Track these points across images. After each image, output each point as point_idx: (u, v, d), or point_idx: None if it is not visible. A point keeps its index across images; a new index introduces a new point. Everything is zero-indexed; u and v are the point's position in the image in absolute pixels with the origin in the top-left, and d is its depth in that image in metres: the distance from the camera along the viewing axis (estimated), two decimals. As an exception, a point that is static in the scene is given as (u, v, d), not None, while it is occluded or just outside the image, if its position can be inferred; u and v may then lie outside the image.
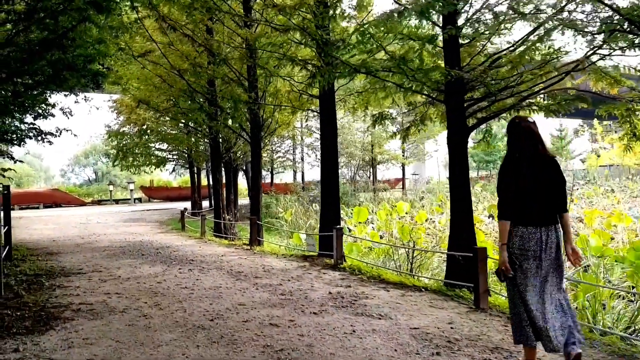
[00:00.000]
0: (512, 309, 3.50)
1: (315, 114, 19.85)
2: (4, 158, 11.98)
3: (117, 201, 38.07)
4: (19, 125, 12.91)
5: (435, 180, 46.62)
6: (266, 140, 13.12)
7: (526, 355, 3.47)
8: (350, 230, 16.35)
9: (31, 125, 11.14)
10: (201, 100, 12.21)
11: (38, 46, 8.47)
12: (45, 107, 12.14)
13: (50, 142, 11.31)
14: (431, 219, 19.31)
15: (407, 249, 8.86)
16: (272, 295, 5.88)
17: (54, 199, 34.39)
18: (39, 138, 11.40)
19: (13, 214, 25.85)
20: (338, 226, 8.53)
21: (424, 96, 8.39)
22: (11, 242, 8.07)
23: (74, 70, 9.48)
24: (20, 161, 11.79)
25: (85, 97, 13.22)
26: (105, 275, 7.10)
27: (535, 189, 3.37)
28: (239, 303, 5.44)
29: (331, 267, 8.06)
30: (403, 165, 38.55)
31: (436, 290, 6.43)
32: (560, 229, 3.42)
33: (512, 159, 3.48)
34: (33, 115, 10.83)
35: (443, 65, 7.29)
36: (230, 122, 13.22)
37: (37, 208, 32.08)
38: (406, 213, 19.85)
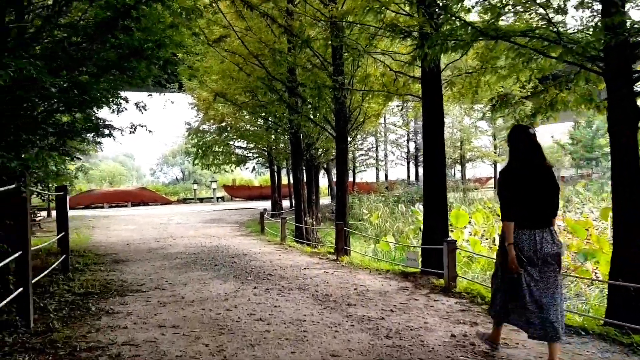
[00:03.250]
0: (496, 297, 3.89)
1: (410, 103, 18.08)
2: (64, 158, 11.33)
3: (201, 200, 38.45)
4: (93, 119, 12.31)
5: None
6: (353, 134, 11.58)
7: (493, 332, 4.04)
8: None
9: (88, 118, 10.23)
10: (281, 90, 10.89)
11: (99, 27, 7.49)
12: (117, 100, 11.41)
13: (109, 135, 10.42)
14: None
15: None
16: (375, 338, 4.30)
17: (141, 198, 35.21)
18: (99, 133, 10.60)
19: (101, 212, 26.42)
20: (449, 238, 6.81)
21: (566, 68, 6.46)
22: (68, 250, 7.14)
23: (141, 56, 8.48)
24: (78, 158, 11.09)
25: (161, 90, 12.40)
26: (167, 295, 5.88)
27: (531, 195, 3.61)
28: (332, 352, 3.91)
29: (442, 290, 6.35)
30: (495, 163, 35.63)
31: (603, 335, 4.55)
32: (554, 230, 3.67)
33: (513, 166, 3.72)
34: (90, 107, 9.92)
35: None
36: (312, 115, 11.83)
37: (125, 206, 32.87)
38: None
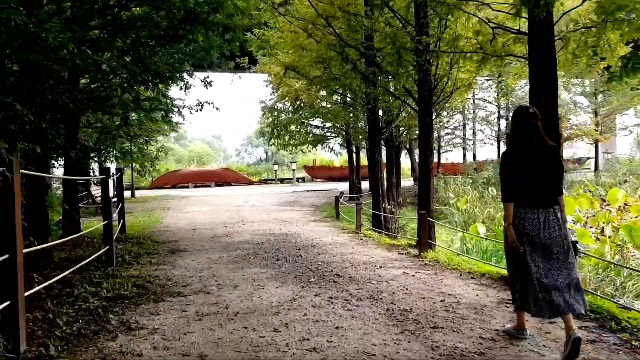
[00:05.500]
0: (514, 282, 3.94)
1: (500, 76, 16.03)
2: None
3: (282, 180, 38.30)
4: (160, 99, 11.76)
5: (623, 159, 38.37)
6: (438, 109, 10.02)
7: (518, 320, 3.99)
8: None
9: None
10: (355, 59, 9.55)
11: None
12: (182, 76, 10.68)
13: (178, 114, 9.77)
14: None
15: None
16: (473, 392, 2.98)
17: (224, 178, 35.54)
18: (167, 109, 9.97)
19: (183, 192, 26.64)
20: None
21: None
22: (112, 240, 6.35)
23: (196, 21, 7.52)
24: (145, 138, 10.49)
25: (225, 66, 11.52)
26: (210, 302, 4.88)
27: (533, 174, 3.71)
28: (408, 420, 2.66)
29: (557, 306, 4.83)
30: (596, 142, 31.94)
31: None
32: (559, 209, 3.76)
33: (515, 146, 3.82)
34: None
35: None
36: (392, 86, 10.40)
37: (209, 186, 33.24)
38: (625, 204, 14.98)
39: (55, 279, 4.65)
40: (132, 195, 23.94)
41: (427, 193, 8.95)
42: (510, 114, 33.37)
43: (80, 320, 4.05)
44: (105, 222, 6.26)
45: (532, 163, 3.70)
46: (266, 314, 4.44)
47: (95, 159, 18.96)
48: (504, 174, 3.85)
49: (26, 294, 3.41)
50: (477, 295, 5.30)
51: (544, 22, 5.95)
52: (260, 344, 3.69)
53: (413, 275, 6.19)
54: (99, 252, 6.16)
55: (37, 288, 3.85)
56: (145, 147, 21.16)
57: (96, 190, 15.28)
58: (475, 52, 7.34)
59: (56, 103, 5.19)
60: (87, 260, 5.70)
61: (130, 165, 22.48)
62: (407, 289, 5.50)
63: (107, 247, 6.20)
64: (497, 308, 4.81)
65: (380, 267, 6.74)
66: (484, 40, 7.41)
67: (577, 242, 5.01)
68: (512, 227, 3.74)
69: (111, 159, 19.14)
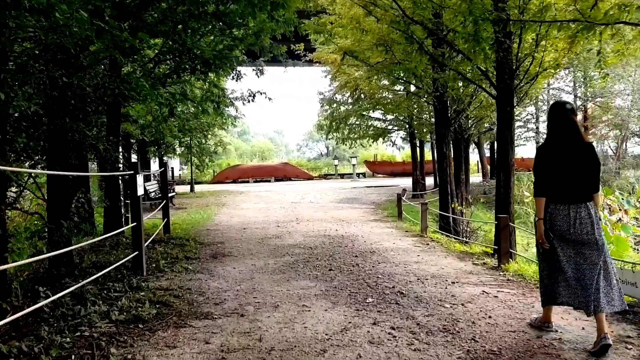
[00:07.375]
0: (542, 275, 3.93)
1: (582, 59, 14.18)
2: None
3: (342, 176, 37.54)
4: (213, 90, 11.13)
5: None
6: (520, 94, 8.62)
7: (544, 313, 3.99)
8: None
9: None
10: (421, 37, 8.32)
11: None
12: (233, 64, 9.94)
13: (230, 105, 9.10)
14: None
15: None
16: None
17: (284, 173, 35.25)
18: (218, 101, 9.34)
19: (243, 187, 26.26)
20: None
21: None
22: (142, 245, 5.55)
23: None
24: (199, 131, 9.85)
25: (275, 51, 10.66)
26: (241, 330, 3.94)
27: (568, 170, 3.67)
28: None
29: None
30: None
31: None
32: (594, 206, 3.69)
33: (551, 142, 3.78)
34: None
35: None
36: (464, 69, 9.07)
37: (269, 181, 32.96)
38: None
39: (63, 292, 3.89)
40: (192, 190, 23.79)
41: (506, 193, 7.63)
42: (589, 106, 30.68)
43: (73, 356, 3.22)
44: (134, 224, 5.49)
45: (567, 159, 3.68)
46: (308, 353, 3.44)
47: (156, 153, 18.82)
48: (537, 169, 3.83)
49: (5, 321, 2.60)
50: (582, 328, 4.05)
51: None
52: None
53: (495, 296, 5.00)
54: (127, 258, 5.40)
55: (18, 314, 3.04)
56: (204, 142, 20.83)
57: (150, 186, 14.92)
58: (574, 21, 5.97)
59: (73, 90, 4.46)
60: (112, 267, 4.95)
61: (189, 159, 22.33)
62: (490, 316, 4.33)
63: (136, 252, 5.44)
64: (615, 350, 3.57)
65: (453, 282, 5.60)
66: (583, 7, 6.03)
67: None
68: (543, 222, 3.77)
69: (163, 153, 18.93)
